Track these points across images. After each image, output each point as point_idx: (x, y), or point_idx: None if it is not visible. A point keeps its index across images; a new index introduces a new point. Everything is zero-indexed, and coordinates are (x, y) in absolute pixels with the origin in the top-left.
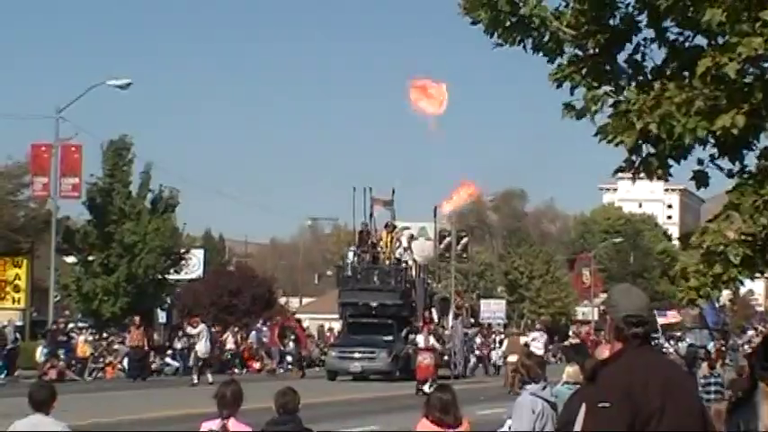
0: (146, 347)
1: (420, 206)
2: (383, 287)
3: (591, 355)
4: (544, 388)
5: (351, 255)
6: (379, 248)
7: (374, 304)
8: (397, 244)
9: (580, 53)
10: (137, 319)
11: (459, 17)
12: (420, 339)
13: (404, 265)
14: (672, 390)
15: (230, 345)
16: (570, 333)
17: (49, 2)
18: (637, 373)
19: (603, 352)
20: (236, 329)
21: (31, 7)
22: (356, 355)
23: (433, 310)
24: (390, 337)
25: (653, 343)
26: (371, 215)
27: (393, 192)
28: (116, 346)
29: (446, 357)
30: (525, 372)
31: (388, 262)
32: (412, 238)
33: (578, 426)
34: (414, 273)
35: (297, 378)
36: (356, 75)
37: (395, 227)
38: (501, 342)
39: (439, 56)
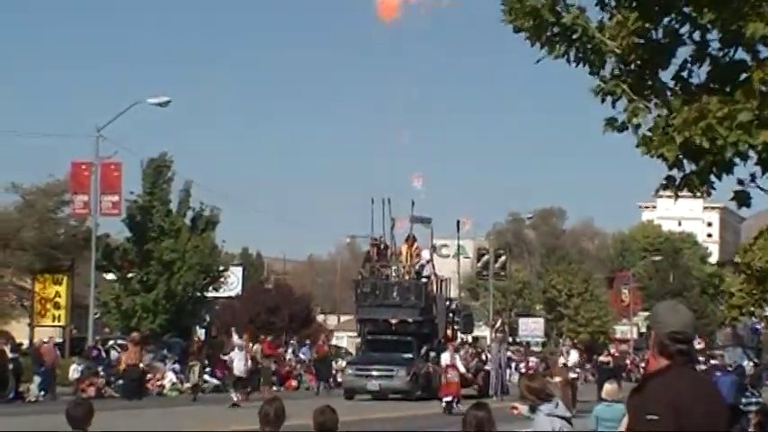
0: (142, 366)
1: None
2: (403, 303)
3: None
4: (557, 405)
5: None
6: (400, 262)
7: (394, 321)
8: (418, 258)
9: (623, 66)
10: (135, 335)
11: (501, 29)
12: (446, 356)
13: (424, 279)
14: (714, 410)
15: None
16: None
17: (89, 22)
18: (684, 389)
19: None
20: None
21: (71, 26)
22: (374, 373)
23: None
24: (410, 355)
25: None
26: (392, 228)
27: (413, 204)
28: (156, 363)
29: (469, 375)
30: (535, 396)
31: (407, 276)
32: (434, 251)
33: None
34: (435, 288)
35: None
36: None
37: (415, 239)
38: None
39: (479, 70)
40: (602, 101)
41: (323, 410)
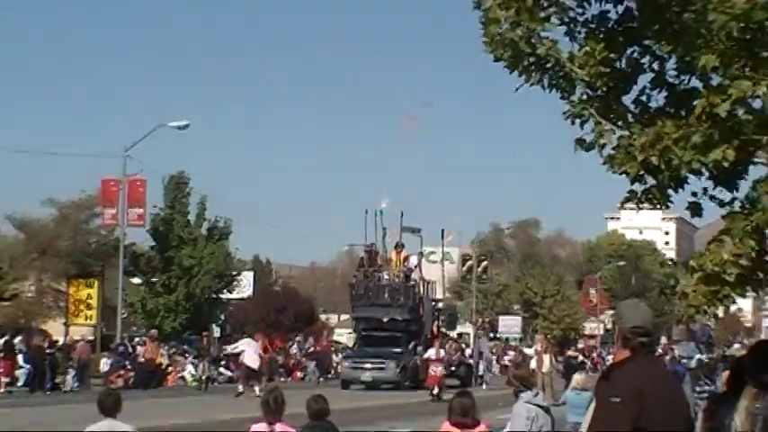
0: (158, 360)
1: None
2: (393, 303)
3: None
4: (536, 395)
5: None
6: (390, 267)
7: (385, 319)
8: (406, 263)
9: (590, 92)
10: (153, 332)
11: (482, 58)
12: (432, 351)
13: (412, 282)
14: (674, 396)
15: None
16: (579, 346)
17: (116, 56)
18: (648, 377)
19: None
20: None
21: (103, 63)
22: (367, 365)
23: (439, 323)
24: (399, 350)
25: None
26: (384, 236)
27: (402, 214)
28: (177, 358)
29: (452, 368)
30: (519, 382)
31: (397, 279)
32: (422, 257)
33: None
34: (421, 289)
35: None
36: (391, 110)
37: (403, 246)
38: (480, 354)
39: (461, 96)
40: (572, 123)
41: (316, 399)
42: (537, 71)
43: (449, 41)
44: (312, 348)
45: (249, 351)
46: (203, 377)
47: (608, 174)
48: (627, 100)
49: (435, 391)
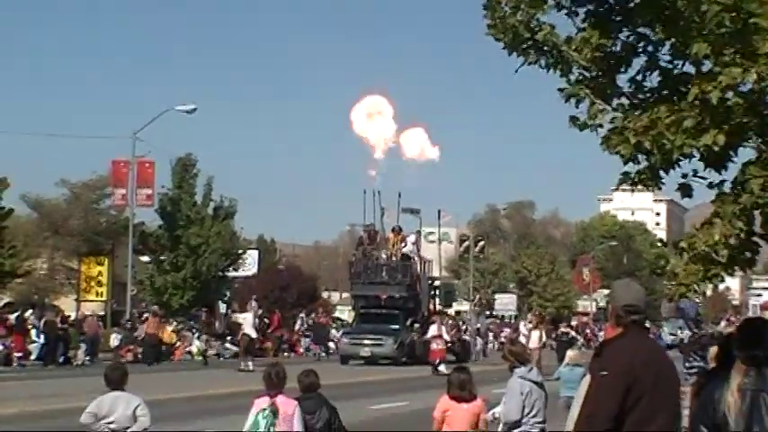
0: (160, 335)
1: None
2: (391, 281)
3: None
4: (530, 370)
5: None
6: (388, 247)
7: (383, 297)
8: (403, 244)
9: (586, 74)
10: (155, 308)
11: (481, 42)
12: (434, 328)
13: (410, 261)
14: (664, 371)
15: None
16: (572, 323)
17: (129, 44)
18: (639, 352)
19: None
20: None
21: (113, 48)
22: (366, 341)
23: (437, 300)
24: (397, 326)
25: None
26: (382, 216)
27: (399, 195)
28: (185, 333)
29: (449, 344)
30: (514, 358)
31: (394, 258)
32: (419, 235)
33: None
34: (419, 268)
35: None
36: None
37: (401, 229)
38: (477, 330)
39: (458, 81)
40: (567, 101)
41: (307, 373)
42: (535, 53)
43: (449, 26)
44: (306, 326)
45: (248, 320)
46: (206, 351)
47: (601, 157)
48: (621, 81)
49: (437, 362)
